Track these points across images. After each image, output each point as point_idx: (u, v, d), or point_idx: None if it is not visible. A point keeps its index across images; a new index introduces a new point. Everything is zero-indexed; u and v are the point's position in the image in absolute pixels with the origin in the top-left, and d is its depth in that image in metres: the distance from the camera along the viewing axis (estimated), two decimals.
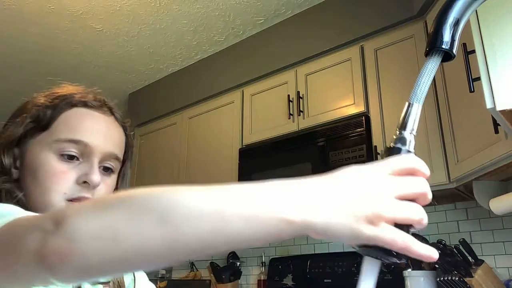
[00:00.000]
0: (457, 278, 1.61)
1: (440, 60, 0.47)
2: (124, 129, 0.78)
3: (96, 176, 0.68)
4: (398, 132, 0.45)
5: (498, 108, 1.23)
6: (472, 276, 1.63)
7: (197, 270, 2.94)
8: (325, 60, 2.31)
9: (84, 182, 0.67)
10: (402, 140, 0.44)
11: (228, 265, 2.70)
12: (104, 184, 0.71)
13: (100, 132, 0.71)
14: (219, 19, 2.60)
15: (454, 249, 1.72)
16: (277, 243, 2.64)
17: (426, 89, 0.46)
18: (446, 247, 1.73)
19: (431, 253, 0.39)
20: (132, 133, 0.81)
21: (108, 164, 0.72)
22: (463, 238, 1.75)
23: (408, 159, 0.42)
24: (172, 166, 2.93)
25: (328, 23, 2.36)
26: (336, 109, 2.17)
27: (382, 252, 0.40)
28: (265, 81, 2.56)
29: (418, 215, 0.39)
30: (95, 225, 0.38)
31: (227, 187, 0.40)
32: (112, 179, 0.73)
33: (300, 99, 2.32)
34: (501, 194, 1.65)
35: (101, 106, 0.74)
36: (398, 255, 0.40)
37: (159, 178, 2.99)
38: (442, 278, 1.68)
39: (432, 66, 0.46)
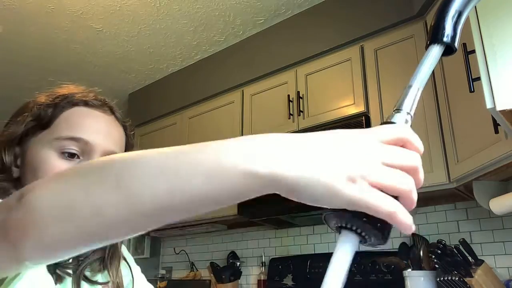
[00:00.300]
0: (457, 278, 1.61)
1: (442, 51, 0.45)
2: (124, 128, 0.78)
3: None
4: (394, 111, 0.42)
5: (498, 108, 1.23)
6: (472, 276, 1.63)
7: (197, 270, 2.94)
8: (325, 60, 2.31)
9: None
10: (398, 118, 0.41)
11: (228, 265, 2.70)
12: None
13: (100, 130, 0.71)
14: (219, 19, 2.60)
15: (454, 249, 1.72)
16: (276, 244, 2.64)
17: (428, 73, 0.43)
18: (446, 247, 1.73)
19: (412, 225, 0.34)
20: (132, 132, 0.81)
21: None
22: (463, 238, 1.75)
23: (401, 129, 0.38)
24: None
25: (328, 23, 2.36)
26: (336, 109, 2.17)
27: (361, 221, 0.34)
28: (265, 81, 2.56)
29: (407, 185, 0.34)
30: (52, 196, 0.37)
31: (191, 144, 0.36)
32: None
33: (300, 99, 2.32)
34: (501, 194, 1.65)
35: (102, 105, 0.75)
36: (381, 229, 0.34)
37: None
38: (442, 278, 1.68)
39: (434, 53, 0.44)
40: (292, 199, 0.34)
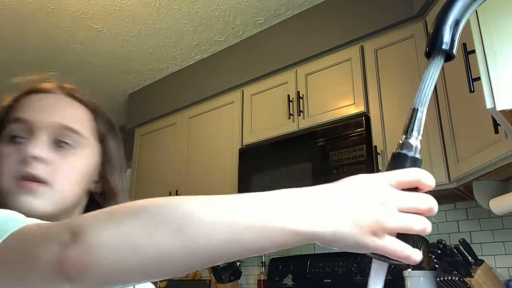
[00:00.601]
0: (457, 278, 1.61)
1: (442, 62, 0.47)
2: (93, 111, 0.74)
3: (33, 147, 0.65)
4: (403, 138, 0.45)
5: (498, 108, 1.23)
6: (472, 276, 1.63)
7: (197, 270, 2.94)
8: (325, 60, 2.31)
9: (29, 158, 0.64)
10: (408, 146, 0.44)
11: (228, 265, 2.70)
12: (63, 159, 0.67)
13: (46, 107, 0.68)
14: (219, 19, 2.60)
15: (454, 249, 1.72)
16: None
17: (430, 93, 0.46)
18: (446, 247, 1.72)
19: (420, 258, 0.42)
20: (107, 117, 0.76)
21: (63, 138, 0.68)
22: (463, 238, 1.75)
23: (413, 172, 0.43)
24: (172, 166, 2.93)
25: (328, 23, 2.36)
26: (336, 109, 2.17)
27: (386, 256, 0.42)
28: (265, 81, 2.56)
29: (420, 225, 0.41)
30: (113, 236, 0.39)
31: (238, 198, 0.42)
32: (75, 155, 0.68)
33: (300, 99, 2.32)
34: (501, 194, 1.65)
35: (54, 89, 0.72)
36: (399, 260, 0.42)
37: (159, 178, 2.99)
38: (442, 278, 1.67)
39: (434, 70, 0.46)
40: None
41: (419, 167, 0.44)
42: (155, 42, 2.82)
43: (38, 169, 0.64)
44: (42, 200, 0.63)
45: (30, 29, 2.65)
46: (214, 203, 0.41)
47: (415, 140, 0.45)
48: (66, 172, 0.67)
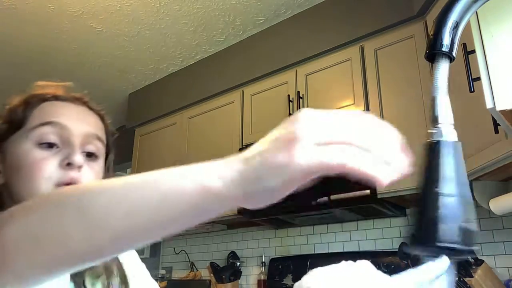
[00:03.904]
0: (457, 278, 1.61)
1: (448, 61, 0.48)
2: (101, 117, 0.76)
3: (77, 155, 0.65)
4: (432, 127, 0.44)
5: (498, 108, 1.23)
6: (472, 276, 1.63)
7: (197, 270, 2.94)
8: (325, 60, 2.31)
9: (68, 165, 0.64)
10: (435, 134, 0.43)
11: (228, 265, 2.70)
12: (90, 169, 0.68)
13: (74, 116, 0.69)
14: (219, 19, 2.60)
15: None
16: (276, 244, 2.64)
17: (445, 80, 0.47)
18: None
19: (380, 176, 0.32)
20: (109, 121, 0.78)
21: (91, 147, 0.69)
22: None
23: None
24: (172, 166, 2.92)
25: (328, 23, 2.36)
26: (336, 109, 2.16)
27: (448, 250, 0.36)
28: (265, 81, 2.56)
29: (335, 157, 0.33)
30: (20, 230, 0.38)
31: (151, 173, 0.38)
32: (98, 164, 0.71)
33: (300, 99, 2.32)
34: (501, 194, 1.65)
35: (73, 99, 0.73)
36: (467, 244, 0.36)
37: None
38: None
39: (445, 66, 0.47)
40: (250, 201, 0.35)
41: (457, 150, 0.41)
42: (155, 42, 2.83)
43: (81, 178, 0.65)
44: None
45: (30, 29, 2.66)
46: (116, 180, 0.37)
47: (444, 126, 0.43)
48: (92, 179, 0.69)
